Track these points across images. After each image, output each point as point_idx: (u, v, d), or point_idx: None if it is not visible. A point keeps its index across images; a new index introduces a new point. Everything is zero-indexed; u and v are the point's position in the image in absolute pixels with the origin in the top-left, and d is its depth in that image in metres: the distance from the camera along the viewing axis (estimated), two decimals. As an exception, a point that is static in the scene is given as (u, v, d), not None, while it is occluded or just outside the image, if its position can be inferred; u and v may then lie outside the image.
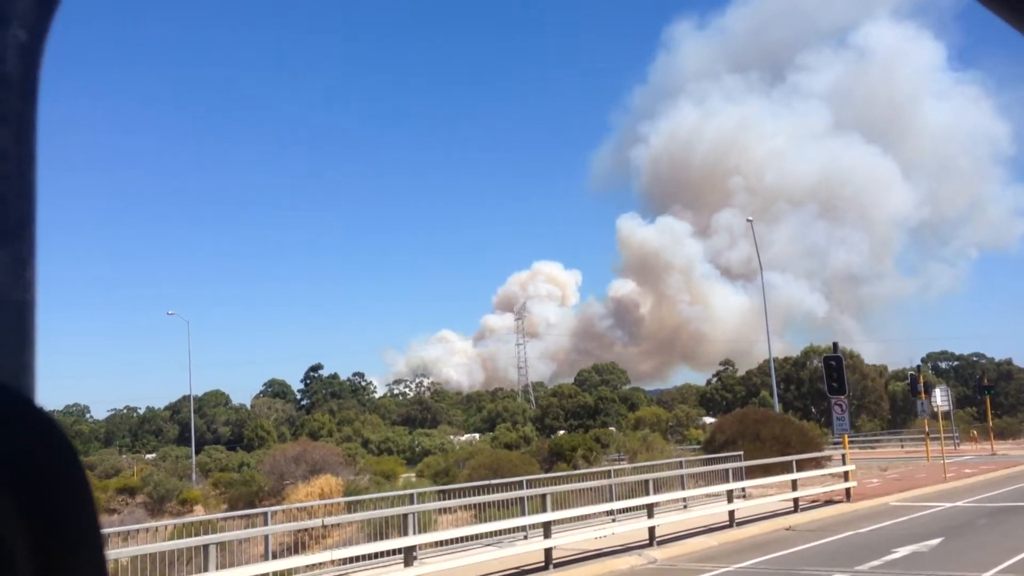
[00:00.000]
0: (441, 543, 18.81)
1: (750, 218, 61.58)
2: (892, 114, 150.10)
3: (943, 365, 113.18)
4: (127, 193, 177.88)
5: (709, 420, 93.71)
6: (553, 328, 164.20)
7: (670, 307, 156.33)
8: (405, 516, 14.44)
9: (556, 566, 17.29)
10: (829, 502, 26.62)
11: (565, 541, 18.73)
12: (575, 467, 43.10)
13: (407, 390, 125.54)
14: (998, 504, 25.61)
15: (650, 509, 19.76)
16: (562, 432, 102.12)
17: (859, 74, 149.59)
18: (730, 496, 22.26)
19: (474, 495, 22.37)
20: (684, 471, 26.03)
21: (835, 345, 29.21)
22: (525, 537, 20.60)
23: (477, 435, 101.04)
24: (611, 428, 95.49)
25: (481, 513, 25.51)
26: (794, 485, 24.78)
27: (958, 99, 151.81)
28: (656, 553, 19.00)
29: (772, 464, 28.91)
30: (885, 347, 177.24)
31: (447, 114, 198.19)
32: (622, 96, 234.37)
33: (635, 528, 19.98)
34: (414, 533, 14.50)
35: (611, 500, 22.37)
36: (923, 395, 41.52)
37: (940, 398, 51.84)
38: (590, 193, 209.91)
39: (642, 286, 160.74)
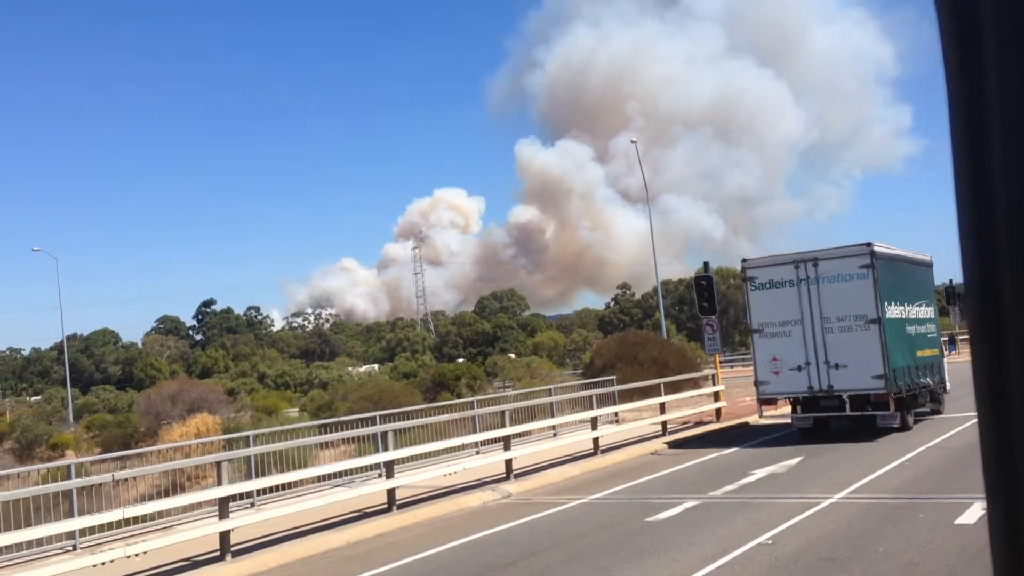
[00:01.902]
0: (283, 486, 17.59)
1: (634, 139, 60.79)
2: (782, 37, 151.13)
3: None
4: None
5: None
6: (456, 256, 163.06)
7: (572, 233, 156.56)
8: (219, 463, 13.11)
9: (401, 506, 16.28)
10: (700, 423, 26.28)
11: (415, 479, 17.72)
12: (459, 396, 42.31)
13: (306, 322, 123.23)
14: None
15: (506, 441, 18.86)
16: (460, 360, 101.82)
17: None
18: (594, 423, 21.53)
19: (339, 430, 21.26)
20: (553, 398, 25.27)
21: (705, 264, 28.58)
22: (380, 475, 19.61)
23: (376, 366, 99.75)
24: (510, 355, 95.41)
25: (349, 449, 24.52)
26: (662, 408, 24.27)
27: (844, 22, 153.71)
28: (512, 487, 18.16)
29: (649, 387, 28.49)
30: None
31: (346, 42, 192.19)
32: (517, 21, 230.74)
33: (492, 462, 19.08)
34: (229, 482, 13.19)
35: (475, 432, 21.45)
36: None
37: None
38: (489, 120, 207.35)
39: (544, 212, 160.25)
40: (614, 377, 28.68)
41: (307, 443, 18.65)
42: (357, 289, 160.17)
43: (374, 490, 16.18)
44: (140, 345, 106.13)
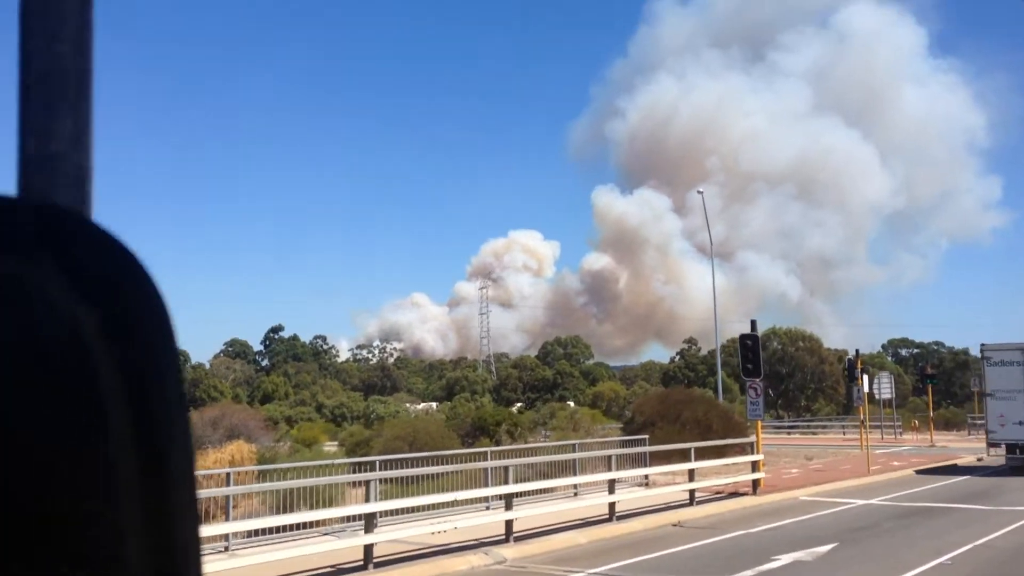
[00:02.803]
0: (268, 531, 16.27)
1: (700, 190, 58.93)
2: (871, 98, 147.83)
3: (903, 352, 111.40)
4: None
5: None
6: (527, 300, 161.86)
7: (645, 284, 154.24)
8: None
9: (379, 565, 14.78)
10: (735, 494, 24.23)
11: (406, 534, 16.24)
12: (498, 443, 40.72)
13: (371, 355, 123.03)
14: (913, 504, 23.30)
15: (508, 500, 17.26)
16: (519, 405, 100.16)
17: (840, 56, 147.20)
18: (611, 486, 19.77)
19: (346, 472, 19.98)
20: (577, 455, 23.53)
21: (752, 323, 26.68)
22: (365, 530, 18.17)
23: (435, 404, 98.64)
24: (569, 403, 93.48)
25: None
26: (691, 475, 22.33)
27: (936, 86, 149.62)
28: (509, 551, 16.52)
29: (686, 449, 26.58)
30: (853, 332, 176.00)
31: (428, 78, 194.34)
32: (603, 69, 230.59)
33: (491, 521, 17.47)
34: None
35: (488, 485, 19.90)
36: (860, 381, 39.20)
37: (883, 385, 49.85)
38: (568, 165, 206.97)
39: (618, 262, 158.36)
40: (647, 437, 26.84)
41: (291, 486, 17.28)
42: (427, 325, 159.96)
43: (352, 544, 14.70)
44: (207, 366, 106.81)
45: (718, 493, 24.27)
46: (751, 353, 25.54)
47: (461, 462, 22.82)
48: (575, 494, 22.83)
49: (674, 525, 20.25)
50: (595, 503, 20.04)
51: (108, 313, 0.49)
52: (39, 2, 0.61)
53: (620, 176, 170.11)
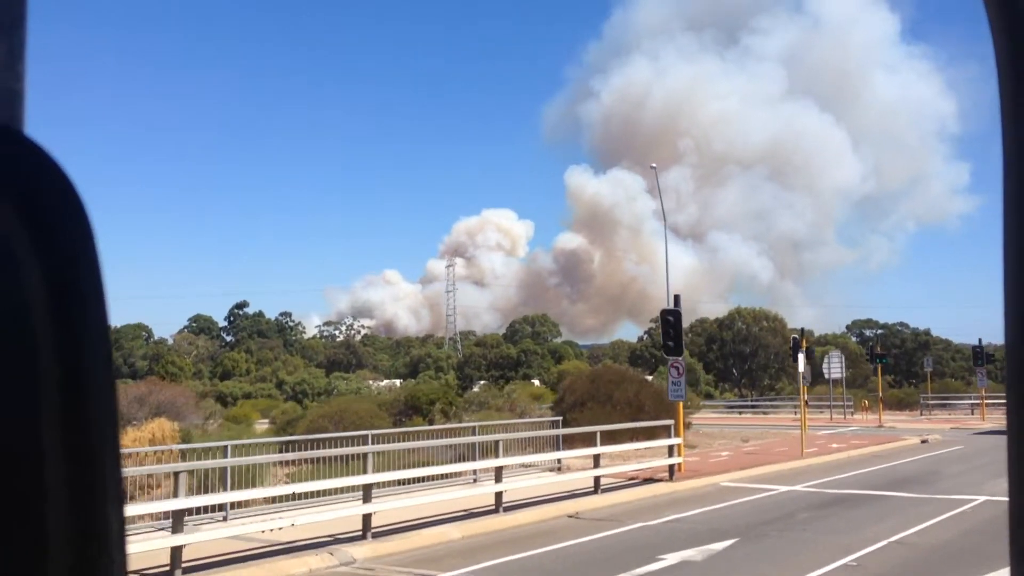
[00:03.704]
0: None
1: (653, 165, 56.37)
2: (843, 83, 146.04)
3: (868, 333, 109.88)
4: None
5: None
6: (500, 279, 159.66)
7: (618, 264, 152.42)
8: None
9: (188, 570, 12.53)
10: (650, 480, 22.14)
11: (244, 530, 14.01)
12: (431, 422, 38.54)
13: (338, 332, 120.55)
14: (838, 491, 21.27)
15: (366, 491, 15.03)
16: (482, 382, 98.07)
17: (813, 41, 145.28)
18: (498, 474, 17.58)
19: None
20: (476, 439, 21.27)
21: (676, 298, 24.46)
22: (224, 518, 15.97)
23: (399, 381, 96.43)
24: (534, 381, 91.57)
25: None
26: (596, 461, 20.20)
27: (908, 73, 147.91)
28: (361, 550, 14.31)
29: (619, 430, 24.53)
30: (822, 312, 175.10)
31: (404, 58, 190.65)
32: (577, 50, 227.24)
33: (346, 515, 15.25)
34: None
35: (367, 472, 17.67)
36: (806, 360, 37.22)
37: (833, 364, 47.95)
38: (543, 145, 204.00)
39: (592, 242, 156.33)
40: (559, 419, 24.69)
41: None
42: (400, 302, 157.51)
43: (161, 546, 12.44)
44: (170, 342, 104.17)
45: (632, 479, 22.18)
46: (672, 330, 23.39)
47: (355, 445, 20.67)
48: (474, 481, 20.69)
49: (570, 516, 18.12)
50: (482, 492, 17.85)
51: (33, 218, 0.48)
52: None
53: (594, 157, 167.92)
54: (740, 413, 58.88)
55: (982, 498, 19.72)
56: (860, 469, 25.73)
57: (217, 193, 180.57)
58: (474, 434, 21.89)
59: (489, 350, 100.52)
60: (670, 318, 23.45)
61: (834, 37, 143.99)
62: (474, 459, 20.61)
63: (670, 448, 22.22)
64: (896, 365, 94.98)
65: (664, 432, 22.68)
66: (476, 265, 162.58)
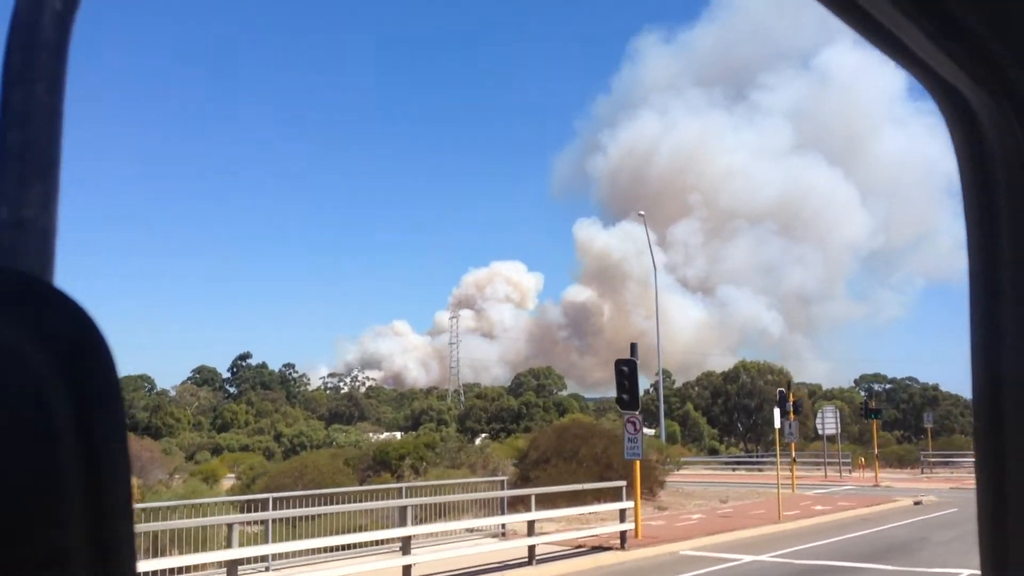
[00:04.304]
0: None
1: (641, 212, 54.85)
2: (851, 138, 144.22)
3: (876, 387, 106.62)
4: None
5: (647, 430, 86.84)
6: (509, 331, 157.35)
7: (627, 318, 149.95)
8: None
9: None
10: (599, 548, 19.70)
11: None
12: (399, 478, 36.19)
13: (342, 384, 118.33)
14: (810, 562, 18.79)
15: (231, 568, 12.77)
16: (483, 436, 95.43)
17: (820, 97, 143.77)
18: (405, 545, 15.27)
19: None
20: (408, 501, 18.85)
21: (632, 346, 22.23)
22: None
23: (399, 433, 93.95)
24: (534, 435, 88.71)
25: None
26: (530, 528, 17.83)
27: (915, 128, 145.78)
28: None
29: (576, 491, 22.17)
30: (832, 366, 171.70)
31: (413, 109, 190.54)
32: (586, 104, 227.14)
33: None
34: None
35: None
36: (792, 415, 34.72)
37: (827, 420, 45.29)
38: (552, 197, 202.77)
39: (601, 295, 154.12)
40: (504, 478, 22.35)
41: None
42: (410, 354, 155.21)
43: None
44: (171, 394, 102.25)
45: (579, 548, 19.75)
46: (627, 381, 21.11)
47: (303, 505, 18.58)
48: (400, 549, 18.34)
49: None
50: (388, 566, 15.52)
51: (69, 375, 0.53)
52: (16, 95, 0.64)
53: (603, 210, 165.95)
54: (734, 469, 55.97)
55: (966, 572, 17.24)
56: (841, 535, 23.17)
57: (225, 243, 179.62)
58: (402, 495, 19.52)
59: (490, 403, 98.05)
60: (624, 368, 21.18)
61: (841, 93, 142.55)
62: (405, 524, 18.28)
63: (622, 512, 19.79)
64: (904, 420, 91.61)
65: (614, 495, 20.28)
66: (485, 317, 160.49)
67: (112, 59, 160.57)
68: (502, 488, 20.84)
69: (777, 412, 27.11)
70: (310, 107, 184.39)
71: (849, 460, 47.86)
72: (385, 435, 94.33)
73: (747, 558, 19.39)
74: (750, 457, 59.62)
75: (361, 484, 31.14)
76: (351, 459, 37.51)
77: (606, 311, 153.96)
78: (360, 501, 20.38)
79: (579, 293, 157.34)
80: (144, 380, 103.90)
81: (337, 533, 17.37)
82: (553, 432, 31.87)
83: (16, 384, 0.52)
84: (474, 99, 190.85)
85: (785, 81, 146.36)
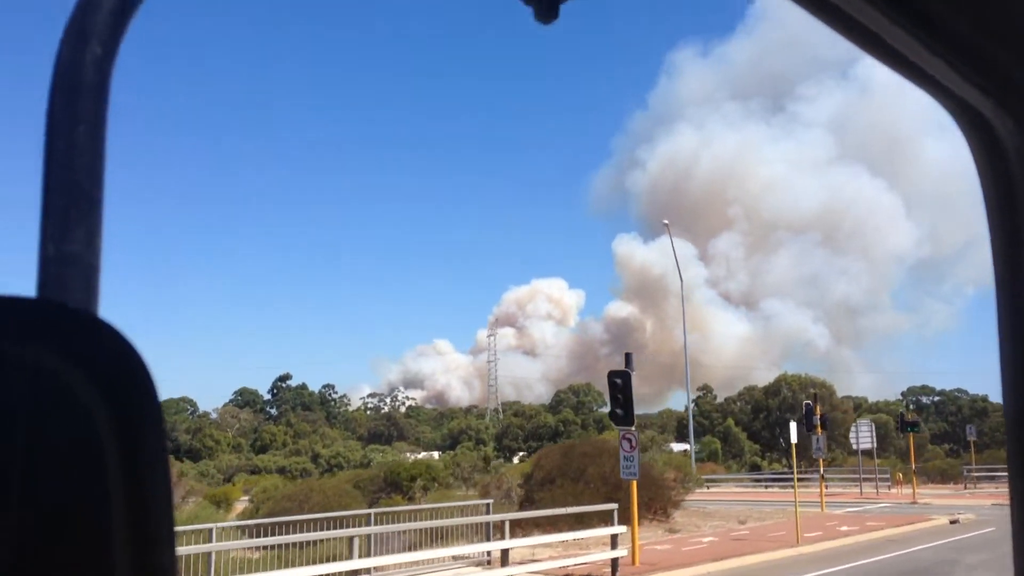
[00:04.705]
0: None
1: (666, 221, 52.96)
2: (893, 147, 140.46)
3: (924, 400, 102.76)
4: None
5: (676, 446, 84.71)
6: (551, 349, 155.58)
7: (669, 333, 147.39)
8: None
9: None
10: (588, 578, 17.95)
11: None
12: (411, 500, 34.68)
13: (382, 404, 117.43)
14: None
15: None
16: (521, 454, 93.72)
17: (861, 106, 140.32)
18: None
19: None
20: (371, 529, 17.24)
21: (627, 357, 20.45)
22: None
23: (437, 453, 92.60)
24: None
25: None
26: (504, 557, 16.15)
27: (959, 134, 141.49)
28: None
29: (588, 512, 20.54)
30: (881, 379, 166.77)
31: (453, 128, 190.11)
32: (624, 120, 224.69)
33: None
34: None
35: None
36: (819, 429, 32.58)
37: (863, 434, 42.86)
38: (591, 215, 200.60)
39: (643, 311, 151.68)
40: (490, 502, 20.67)
41: None
42: (453, 373, 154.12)
43: None
44: (212, 416, 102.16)
45: (567, 576, 18.04)
46: (621, 395, 19.38)
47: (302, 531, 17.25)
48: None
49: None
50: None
51: (114, 403, 0.55)
52: (60, 138, 0.67)
53: (642, 225, 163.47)
54: (767, 487, 53.48)
55: (991, 603, 15.23)
56: (861, 559, 21.11)
57: (272, 267, 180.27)
58: (370, 523, 17.94)
59: (528, 421, 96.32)
60: (617, 380, 19.46)
61: (882, 101, 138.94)
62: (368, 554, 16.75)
63: (613, 538, 18.03)
64: (953, 433, 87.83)
65: (605, 518, 18.54)
66: (527, 335, 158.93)
67: (149, 89, 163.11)
68: (487, 512, 19.20)
69: (793, 426, 25.06)
70: (350, 129, 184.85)
71: (888, 476, 45.21)
72: (423, 455, 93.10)
73: (750, 587, 17.53)
74: (784, 474, 57.02)
75: (370, 507, 29.73)
76: (362, 481, 36.13)
77: (648, 327, 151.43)
78: (329, 528, 18.89)
79: (620, 309, 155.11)
80: (187, 403, 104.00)
81: (295, 566, 15.90)
82: (558, 451, 30.07)
83: (65, 414, 0.53)
84: (513, 120, 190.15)
85: (824, 92, 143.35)
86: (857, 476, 47.65)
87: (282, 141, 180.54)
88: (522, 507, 26.24)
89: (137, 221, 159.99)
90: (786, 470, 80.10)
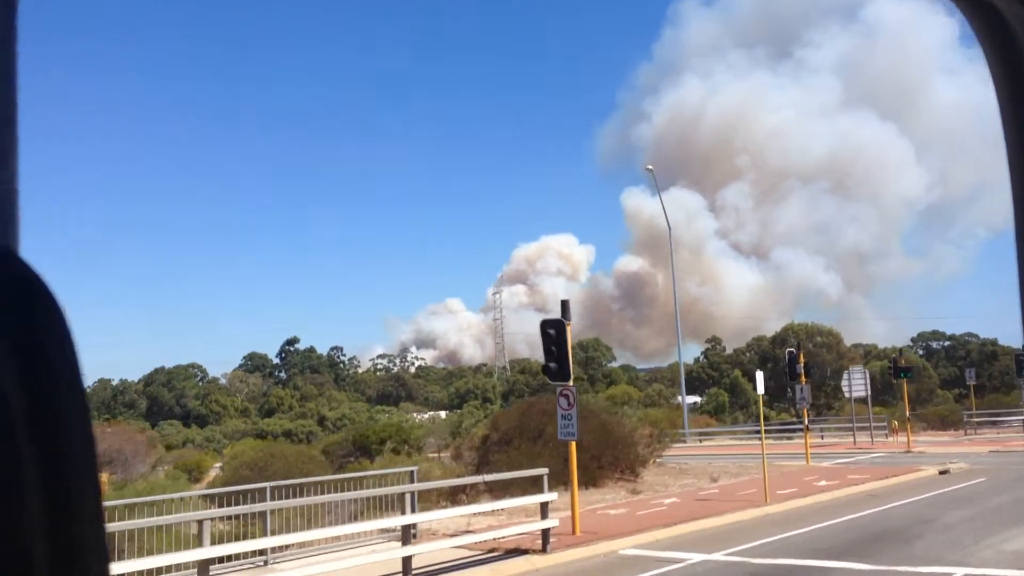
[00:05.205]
0: None
1: (650, 167, 50.39)
2: (902, 90, 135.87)
3: (934, 345, 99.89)
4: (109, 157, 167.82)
5: (686, 399, 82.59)
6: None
7: (680, 285, 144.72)
8: None
9: None
10: (515, 552, 15.91)
11: None
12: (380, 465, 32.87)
13: (392, 365, 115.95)
14: (771, 561, 14.78)
15: None
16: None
17: (868, 50, 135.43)
18: (202, 569, 11.68)
19: None
20: (268, 505, 15.21)
21: (563, 304, 18.23)
22: None
23: (444, 413, 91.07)
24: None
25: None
26: (405, 534, 14.08)
27: (968, 76, 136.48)
28: None
29: (522, 479, 18.49)
30: (894, 325, 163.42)
31: (455, 86, 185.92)
32: (629, 73, 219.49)
33: None
34: None
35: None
36: (803, 378, 30.38)
37: (855, 381, 40.58)
38: (598, 169, 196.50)
39: (653, 264, 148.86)
40: (415, 469, 18.54)
41: None
42: (465, 332, 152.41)
43: None
44: (222, 381, 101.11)
45: (492, 552, 16.00)
46: (555, 347, 17.23)
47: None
48: (264, 563, 14.91)
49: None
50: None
51: (18, 350, 0.49)
52: None
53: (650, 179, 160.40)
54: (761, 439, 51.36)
55: (960, 573, 13.09)
56: (833, 519, 18.97)
57: (281, 228, 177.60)
58: (267, 497, 15.90)
59: (533, 378, 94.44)
60: (551, 331, 17.31)
61: (890, 45, 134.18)
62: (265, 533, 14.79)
63: (543, 507, 15.95)
64: (962, 377, 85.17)
65: (533, 486, 16.47)
66: (538, 292, 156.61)
67: (134, 52, 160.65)
68: (412, 480, 17.17)
69: (759, 376, 22.76)
70: (353, 83, 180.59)
71: (885, 425, 42.91)
72: (429, 414, 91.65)
73: (695, 557, 15.42)
74: (783, 425, 54.81)
75: (336, 472, 27.87)
76: (330, 445, 34.35)
77: (659, 280, 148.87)
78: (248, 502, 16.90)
79: (631, 263, 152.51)
80: (196, 368, 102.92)
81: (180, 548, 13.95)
82: (516, 411, 28.03)
83: None
84: (517, 76, 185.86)
85: (831, 37, 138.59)
86: (862, 424, 45.39)
87: (290, 96, 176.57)
88: (478, 470, 24.23)
89: (147, 186, 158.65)
90: (795, 420, 78.20)
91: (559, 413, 17.62)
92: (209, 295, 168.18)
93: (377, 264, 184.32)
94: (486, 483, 18.66)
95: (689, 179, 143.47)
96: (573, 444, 17.64)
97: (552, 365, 17.31)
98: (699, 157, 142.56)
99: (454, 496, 21.70)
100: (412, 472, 17.63)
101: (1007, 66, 0.96)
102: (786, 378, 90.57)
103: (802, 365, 30.18)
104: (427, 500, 21.14)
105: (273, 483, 19.55)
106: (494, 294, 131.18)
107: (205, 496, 20.86)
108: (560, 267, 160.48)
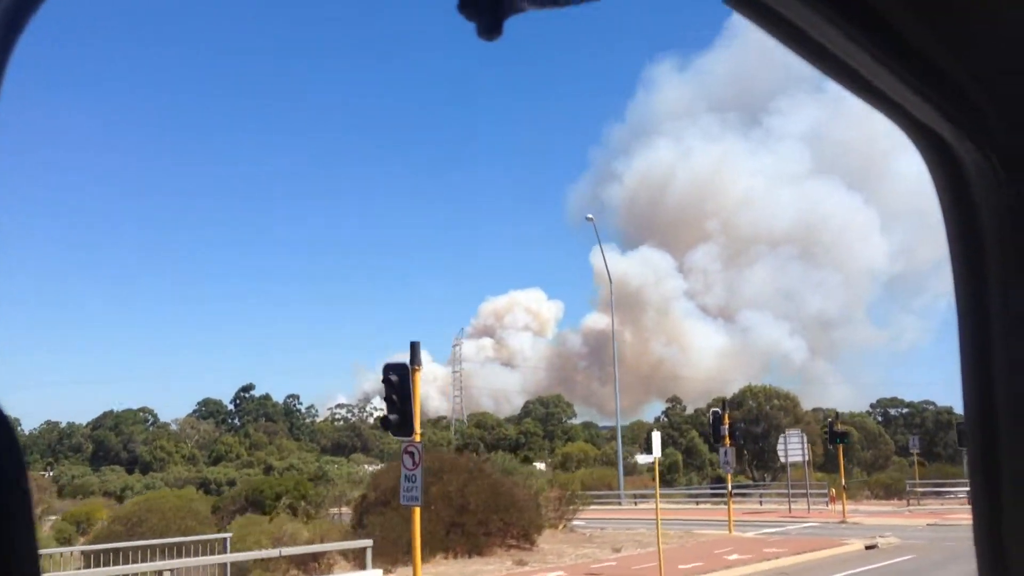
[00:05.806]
0: None
1: (590, 216, 48.24)
2: (868, 160, 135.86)
3: (893, 412, 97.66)
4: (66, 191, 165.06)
5: (642, 458, 79.56)
6: (528, 360, 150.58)
7: (646, 345, 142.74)
8: None
9: None
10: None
11: None
12: (271, 521, 29.73)
13: (350, 415, 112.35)
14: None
15: None
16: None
17: (835, 120, 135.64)
18: None
19: None
20: None
21: (413, 347, 15.63)
22: None
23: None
24: (536, 464, 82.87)
25: None
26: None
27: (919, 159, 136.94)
28: None
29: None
30: (856, 390, 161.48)
31: (426, 137, 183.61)
32: (601, 133, 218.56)
33: None
34: None
35: None
36: (727, 440, 27.72)
37: (792, 446, 38.00)
38: (568, 226, 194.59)
39: (621, 322, 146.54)
40: (228, 536, 15.62)
41: None
42: (432, 384, 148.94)
43: None
44: (173, 427, 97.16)
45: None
46: (396, 396, 14.57)
47: None
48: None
49: None
50: None
51: None
52: None
53: (620, 237, 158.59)
54: (698, 503, 48.48)
55: None
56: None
57: (246, 274, 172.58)
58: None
59: (489, 432, 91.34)
60: (392, 377, 14.65)
61: (856, 115, 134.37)
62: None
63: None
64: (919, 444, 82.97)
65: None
66: (505, 346, 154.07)
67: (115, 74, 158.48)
68: (226, 550, 14.34)
69: (656, 437, 20.04)
70: (321, 129, 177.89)
71: (808, 491, 40.10)
72: (381, 466, 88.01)
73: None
74: (715, 489, 51.92)
75: (220, 532, 24.77)
76: (222, 499, 31.26)
77: (627, 337, 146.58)
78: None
79: (599, 321, 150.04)
80: (147, 412, 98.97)
81: None
82: (397, 468, 25.17)
83: None
84: (490, 129, 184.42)
85: (799, 105, 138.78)
86: (801, 491, 42.61)
87: (254, 136, 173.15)
88: (355, 532, 21.31)
89: (98, 227, 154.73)
90: (750, 483, 75.29)
91: (403, 473, 14.91)
92: (166, 340, 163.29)
93: (345, 312, 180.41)
94: (283, 555, 15.73)
95: (659, 239, 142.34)
96: (417, 511, 14.89)
97: (392, 417, 14.67)
98: (669, 218, 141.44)
99: (305, 565, 18.73)
100: (226, 540, 14.78)
101: (954, 197, 0.93)
102: (744, 440, 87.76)
103: (727, 427, 27.54)
104: (276, 569, 18.18)
105: (85, 547, 16.68)
106: (454, 346, 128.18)
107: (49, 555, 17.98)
108: (527, 322, 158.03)
